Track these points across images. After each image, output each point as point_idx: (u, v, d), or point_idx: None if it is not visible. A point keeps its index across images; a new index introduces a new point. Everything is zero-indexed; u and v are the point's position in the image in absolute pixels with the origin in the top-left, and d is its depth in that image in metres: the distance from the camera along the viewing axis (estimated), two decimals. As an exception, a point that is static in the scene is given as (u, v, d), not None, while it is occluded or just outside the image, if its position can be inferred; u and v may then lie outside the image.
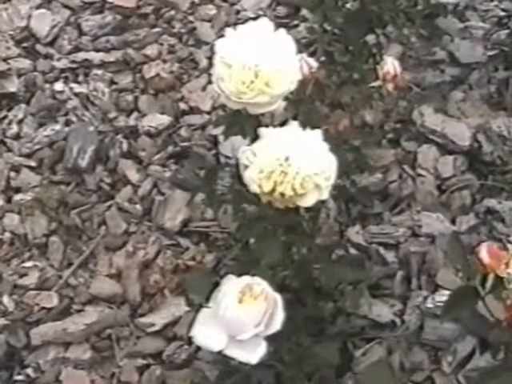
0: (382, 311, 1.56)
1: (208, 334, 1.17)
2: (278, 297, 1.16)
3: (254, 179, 1.17)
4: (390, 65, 1.41)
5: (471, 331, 1.49)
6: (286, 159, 1.16)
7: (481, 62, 1.94)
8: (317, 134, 1.20)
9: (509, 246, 1.05)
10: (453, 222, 1.68)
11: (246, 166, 1.18)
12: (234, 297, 1.15)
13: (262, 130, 1.21)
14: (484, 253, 1.07)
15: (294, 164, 1.16)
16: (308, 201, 1.18)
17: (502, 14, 2.02)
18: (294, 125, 1.21)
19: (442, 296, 1.53)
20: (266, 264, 1.28)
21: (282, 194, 1.16)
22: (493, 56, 1.95)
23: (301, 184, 1.16)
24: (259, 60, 1.18)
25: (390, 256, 1.64)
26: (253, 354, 1.15)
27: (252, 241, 1.37)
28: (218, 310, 1.15)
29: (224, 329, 1.15)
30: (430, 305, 1.55)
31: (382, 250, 1.64)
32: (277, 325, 1.15)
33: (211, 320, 1.17)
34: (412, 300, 1.58)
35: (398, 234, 1.66)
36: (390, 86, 1.42)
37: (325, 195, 1.19)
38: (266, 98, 1.19)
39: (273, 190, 1.16)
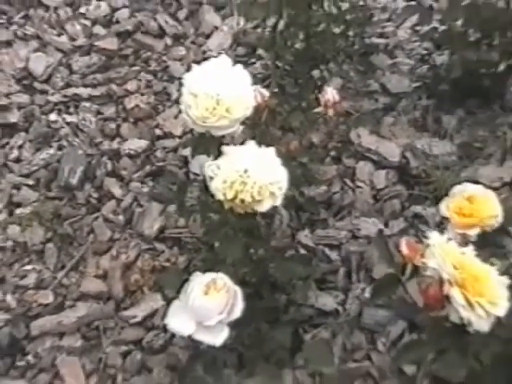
0: (327, 301, 1.56)
1: (179, 321, 1.16)
2: (237, 289, 1.17)
3: (218, 188, 1.18)
4: (330, 94, 1.42)
5: (402, 316, 1.49)
6: (245, 171, 1.17)
7: (407, 92, 1.95)
8: (270, 151, 1.21)
9: (424, 240, 1.05)
10: (386, 225, 1.69)
11: (212, 178, 1.19)
12: (201, 290, 1.15)
13: (225, 148, 1.21)
14: (403, 246, 1.09)
15: (252, 175, 1.17)
16: (264, 206, 1.19)
17: (424, 52, 2.04)
18: (251, 144, 1.22)
19: (378, 288, 1.54)
20: (230, 262, 1.28)
21: (242, 201, 1.17)
22: (417, 87, 1.96)
23: (258, 192, 1.16)
24: (220, 90, 1.19)
25: (334, 255, 1.64)
26: (217, 338, 1.15)
27: (217, 244, 1.37)
28: (188, 301, 1.15)
29: (193, 317, 1.15)
30: (367, 295, 1.56)
31: (327, 250, 1.65)
32: (237, 312, 1.16)
33: (182, 310, 1.16)
34: (352, 291, 1.58)
35: (340, 236, 1.67)
36: (330, 112, 1.43)
37: (278, 202, 1.19)
38: (226, 121, 1.19)
39: (235, 197, 1.17)
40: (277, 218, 1.60)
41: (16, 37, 2.19)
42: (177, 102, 1.97)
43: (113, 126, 1.97)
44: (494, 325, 1.02)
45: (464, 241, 1.13)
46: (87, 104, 2.02)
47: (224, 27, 2.18)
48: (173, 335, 1.52)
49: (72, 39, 2.19)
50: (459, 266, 1.02)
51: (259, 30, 1.90)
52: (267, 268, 1.41)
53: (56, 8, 2.26)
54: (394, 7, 2.15)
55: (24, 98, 2.05)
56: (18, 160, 1.92)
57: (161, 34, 2.19)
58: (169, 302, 1.22)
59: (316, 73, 1.88)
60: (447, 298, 1.01)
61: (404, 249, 1.09)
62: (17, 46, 2.18)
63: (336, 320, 1.54)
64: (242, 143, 1.23)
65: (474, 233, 1.16)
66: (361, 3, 1.94)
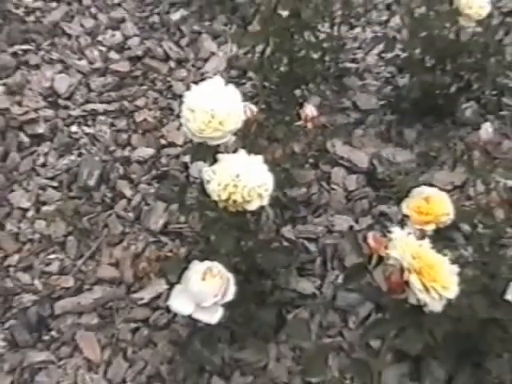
0: (306, 286, 1.56)
1: (180, 302, 1.16)
2: (230, 275, 1.17)
3: (214, 190, 1.17)
4: (309, 110, 1.42)
5: (369, 299, 1.50)
6: (237, 176, 1.17)
7: (375, 108, 1.95)
8: (258, 159, 1.21)
9: (388, 234, 1.06)
10: (356, 222, 1.69)
11: (208, 181, 1.19)
12: (199, 276, 1.16)
13: (219, 156, 1.21)
14: (370, 239, 1.09)
15: (243, 179, 1.16)
16: (253, 205, 1.19)
17: (389, 75, 2.04)
18: (242, 152, 1.22)
19: (349, 275, 1.53)
20: (223, 253, 1.28)
21: (235, 201, 1.17)
22: (383, 105, 1.96)
23: (248, 193, 1.16)
24: (215, 106, 1.19)
25: (312, 247, 1.64)
26: (213, 317, 1.15)
27: (212, 237, 1.37)
28: (187, 285, 1.15)
29: (192, 299, 1.15)
30: (340, 281, 1.56)
31: (306, 243, 1.65)
32: (230, 295, 1.16)
33: (182, 293, 1.16)
34: (328, 278, 1.58)
35: (317, 231, 1.67)
36: (309, 125, 1.43)
37: (265, 202, 1.19)
38: (219, 133, 1.19)
39: (228, 198, 1.17)
40: (264, 215, 1.59)
41: (43, 61, 2.18)
42: (179, 116, 1.95)
43: (124, 136, 1.96)
44: (445, 306, 1.03)
45: (421, 235, 1.13)
46: (103, 118, 2.01)
47: (219, 53, 2.18)
48: (175, 315, 1.52)
49: (90, 63, 2.18)
50: (417, 256, 1.02)
51: (249, 55, 1.90)
52: (255, 258, 1.41)
53: (77, 36, 2.25)
54: (364, 37, 2.16)
55: (49, 113, 2.04)
56: (44, 165, 1.91)
57: (166, 58, 2.18)
58: (171, 286, 1.21)
59: (297, 92, 1.89)
60: (407, 283, 1.02)
61: (371, 241, 1.09)
62: (44, 68, 2.16)
63: (314, 302, 1.54)
64: (234, 151, 1.23)
65: (429, 228, 1.17)
66: (335, 33, 1.95)
